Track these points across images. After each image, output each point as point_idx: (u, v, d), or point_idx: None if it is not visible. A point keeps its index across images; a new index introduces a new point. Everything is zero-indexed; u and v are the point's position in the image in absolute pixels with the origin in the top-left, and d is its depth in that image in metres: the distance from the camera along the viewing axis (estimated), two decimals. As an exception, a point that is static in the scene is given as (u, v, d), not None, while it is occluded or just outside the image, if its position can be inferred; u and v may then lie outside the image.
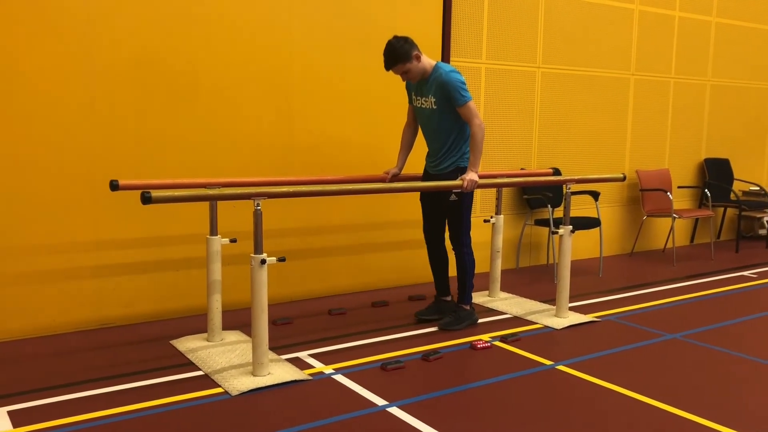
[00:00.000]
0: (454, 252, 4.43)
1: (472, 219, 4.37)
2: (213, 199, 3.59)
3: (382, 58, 4.10)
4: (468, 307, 4.43)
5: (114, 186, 3.65)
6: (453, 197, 4.22)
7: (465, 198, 4.26)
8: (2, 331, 4.03)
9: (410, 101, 4.39)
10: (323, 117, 4.95)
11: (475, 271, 4.44)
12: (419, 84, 4.23)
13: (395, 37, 4.10)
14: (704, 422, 3.06)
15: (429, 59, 4.18)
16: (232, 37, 4.53)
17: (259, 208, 3.36)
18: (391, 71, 4.15)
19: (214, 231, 3.92)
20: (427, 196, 4.47)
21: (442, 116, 4.17)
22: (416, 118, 4.42)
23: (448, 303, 4.57)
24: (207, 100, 4.49)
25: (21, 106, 3.94)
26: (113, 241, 4.28)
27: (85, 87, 4.10)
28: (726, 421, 3.07)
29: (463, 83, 4.10)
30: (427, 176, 4.40)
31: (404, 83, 4.40)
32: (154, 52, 4.28)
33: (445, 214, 4.36)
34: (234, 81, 4.57)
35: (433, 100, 4.16)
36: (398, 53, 4.06)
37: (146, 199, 3.04)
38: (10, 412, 3.05)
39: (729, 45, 7.49)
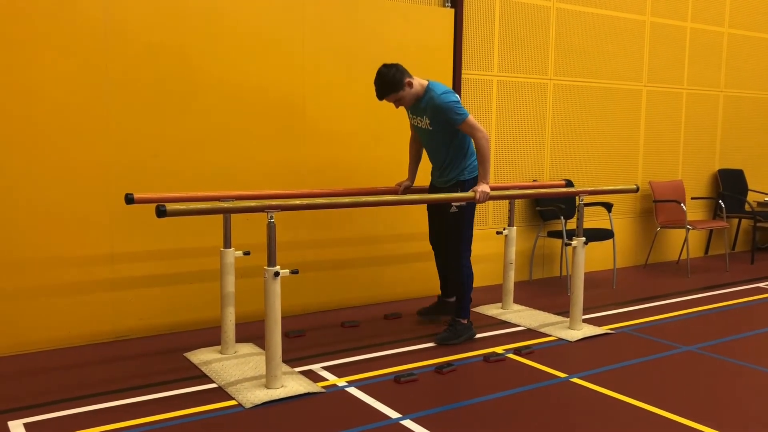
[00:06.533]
0: (452, 266, 4.38)
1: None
2: (227, 212, 3.62)
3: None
4: (465, 321, 4.40)
5: (129, 199, 3.68)
6: (453, 208, 4.20)
7: (466, 212, 4.25)
8: (18, 343, 4.06)
9: (409, 118, 4.39)
10: (335, 131, 4.97)
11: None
12: (414, 105, 4.19)
13: (385, 66, 4.03)
14: (721, 435, 3.04)
15: (420, 80, 4.12)
16: (246, 54, 4.57)
17: (272, 220, 3.38)
18: (384, 100, 4.11)
19: (227, 244, 3.94)
20: (432, 206, 4.49)
21: (437, 135, 4.17)
22: None
23: (450, 304, 4.58)
24: (221, 114, 4.52)
25: (37, 120, 3.99)
26: (128, 254, 4.31)
27: (101, 102, 4.15)
28: (743, 435, 3.05)
29: (457, 102, 4.07)
30: (433, 189, 4.42)
31: None
32: (169, 68, 4.33)
33: (446, 226, 4.34)
34: (247, 96, 4.60)
35: (427, 121, 4.15)
36: (390, 82, 3.99)
37: (161, 212, 3.07)
38: (26, 425, 3.07)
39: (742, 56, 7.46)
